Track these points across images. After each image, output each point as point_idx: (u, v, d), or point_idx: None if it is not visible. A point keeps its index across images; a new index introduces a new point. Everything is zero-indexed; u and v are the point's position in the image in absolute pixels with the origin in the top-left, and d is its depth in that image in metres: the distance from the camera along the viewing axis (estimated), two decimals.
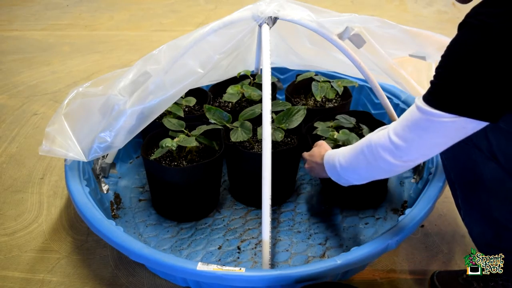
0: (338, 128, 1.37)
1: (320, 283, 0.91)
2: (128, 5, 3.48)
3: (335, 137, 1.32)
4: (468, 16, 0.74)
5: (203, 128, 1.32)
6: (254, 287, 1.01)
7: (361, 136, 1.36)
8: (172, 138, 1.29)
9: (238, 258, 1.24)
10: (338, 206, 1.41)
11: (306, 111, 1.34)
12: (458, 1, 0.87)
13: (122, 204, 1.43)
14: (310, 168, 1.18)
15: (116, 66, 2.44)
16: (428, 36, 1.34)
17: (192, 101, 1.52)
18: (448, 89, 0.74)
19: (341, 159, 1.00)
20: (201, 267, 0.98)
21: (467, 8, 0.80)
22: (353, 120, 1.39)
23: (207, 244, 1.28)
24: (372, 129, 1.41)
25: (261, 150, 1.10)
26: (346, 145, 1.33)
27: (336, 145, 1.35)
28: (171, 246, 1.28)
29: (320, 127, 1.37)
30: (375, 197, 1.41)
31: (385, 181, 1.42)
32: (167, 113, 1.44)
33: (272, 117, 1.25)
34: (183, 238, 1.30)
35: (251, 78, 1.63)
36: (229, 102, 1.61)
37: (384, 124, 1.40)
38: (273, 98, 1.56)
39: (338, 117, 1.40)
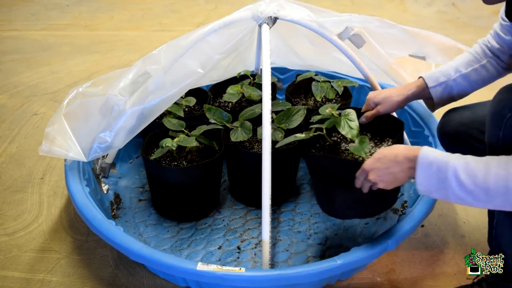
0: None
1: None
2: (128, 5, 3.48)
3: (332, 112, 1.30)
4: None
5: (203, 128, 1.32)
6: (254, 287, 1.01)
7: None
8: (172, 138, 1.29)
9: (238, 258, 1.24)
10: None
11: (306, 111, 1.35)
12: (486, 2, 0.83)
13: (122, 204, 1.43)
14: (376, 171, 0.88)
15: (116, 66, 2.44)
16: (428, 36, 1.35)
17: (192, 101, 1.52)
18: None
19: (476, 178, 0.76)
20: (201, 267, 0.98)
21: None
22: None
23: (207, 244, 1.28)
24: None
25: (261, 150, 1.10)
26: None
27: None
28: (171, 246, 1.28)
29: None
30: None
31: None
32: (167, 113, 1.44)
33: (272, 117, 1.25)
34: (183, 238, 1.30)
35: (251, 78, 1.63)
36: (229, 102, 1.61)
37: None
38: (273, 98, 1.56)
39: None
